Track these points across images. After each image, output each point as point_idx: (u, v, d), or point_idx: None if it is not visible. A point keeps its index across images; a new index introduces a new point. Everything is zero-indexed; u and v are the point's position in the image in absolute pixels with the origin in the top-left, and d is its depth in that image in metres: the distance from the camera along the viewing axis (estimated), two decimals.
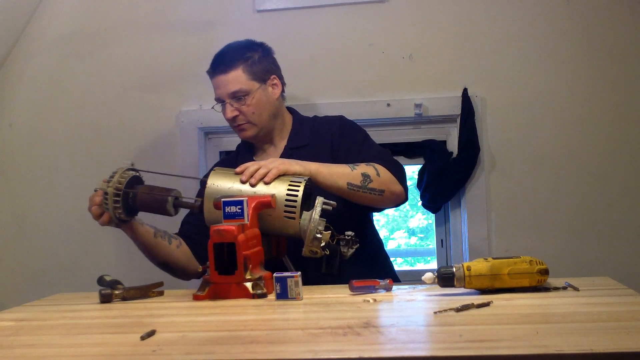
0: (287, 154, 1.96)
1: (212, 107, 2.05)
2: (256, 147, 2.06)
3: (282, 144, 2.03)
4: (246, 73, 1.95)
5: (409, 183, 1.96)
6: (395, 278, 2.02)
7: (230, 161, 2.09)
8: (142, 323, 1.36)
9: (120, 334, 1.28)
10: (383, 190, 1.82)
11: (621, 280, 1.58)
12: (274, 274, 1.53)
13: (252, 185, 1.67)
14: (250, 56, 1.98)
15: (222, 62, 1.97)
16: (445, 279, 1.47)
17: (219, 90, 1.97)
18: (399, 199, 1.89)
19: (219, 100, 1.98)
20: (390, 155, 1.95)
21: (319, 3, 2.44)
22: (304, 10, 2.45)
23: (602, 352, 0.97)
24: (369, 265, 1.94)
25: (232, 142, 2.44)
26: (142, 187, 1.72)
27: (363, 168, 1.81)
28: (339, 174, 1.78)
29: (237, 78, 1.94)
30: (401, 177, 1.89)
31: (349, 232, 1.66)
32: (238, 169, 1.70)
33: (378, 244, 2.11)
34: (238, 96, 1.95)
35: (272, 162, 1.71)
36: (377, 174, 1.81)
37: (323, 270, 1.66)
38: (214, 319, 1.41)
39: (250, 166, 1.69)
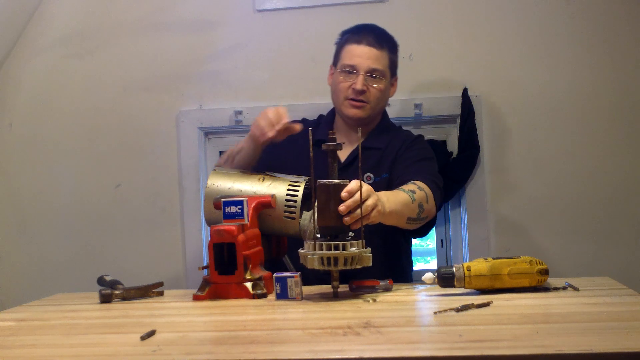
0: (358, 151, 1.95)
1: (331, 73, 2.00)
2: (341, 130, 2.02)
3: (360, 140, 2.01)
4: (389, 60, 1.97)
5: None
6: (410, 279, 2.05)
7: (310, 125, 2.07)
8: (142, 323, 1.36)
9: (120, 334, 1.28)
10: (427, 217, 1.79)
11: (621, 280, 1.58)
12: (274, 274, 1.54)
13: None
14: (397, 48, 2.01)
15: (375, 36, 1.95)
16: (445, 279, 1.47)
17: (360, 59, 1.92)
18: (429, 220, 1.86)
19: (351, 68, 1.93)
20: (441, 182, 1.92)
21: (319, 3, 2.44)
22: (304, 10, 2.45)
23: (602, 352, 0.97)
24: (390, 267, 1.93)
25: (232, 142, 2.42)
26: None
27: (418, 195, 1.74)
28: (402, 212, 1.67)
29: (383, 58, 1.95)
30: (438, 202, 1.86)
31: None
32: (345, 194, 1.48)
33: (406, 248, 2.11)
34: (375, 75, 1.93)
35: (372, 200, 1.52)
36: (426, 200, 1.77)
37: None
38: (214, 319, 1.42)
39: (352, 198, 1.48)
